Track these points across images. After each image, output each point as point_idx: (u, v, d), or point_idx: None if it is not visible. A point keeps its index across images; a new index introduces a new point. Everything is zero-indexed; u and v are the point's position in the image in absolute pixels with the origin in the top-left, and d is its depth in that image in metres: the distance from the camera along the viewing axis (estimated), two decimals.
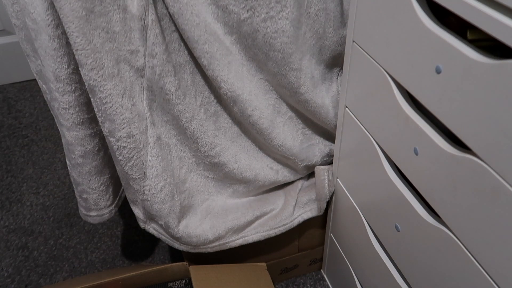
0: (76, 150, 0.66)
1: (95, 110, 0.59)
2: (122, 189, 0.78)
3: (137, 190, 0.66)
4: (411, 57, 0.44)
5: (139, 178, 0.64)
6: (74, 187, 0.72)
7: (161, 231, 0.73)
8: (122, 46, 0.56)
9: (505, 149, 0.34)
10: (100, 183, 0.71)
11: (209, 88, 0.65)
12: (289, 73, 0.63)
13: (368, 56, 0.52)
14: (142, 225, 0.73)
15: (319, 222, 0.84)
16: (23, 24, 0.57)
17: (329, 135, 0.76)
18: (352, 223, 0.70)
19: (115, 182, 0.75)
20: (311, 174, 0.81)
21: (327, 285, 0.94)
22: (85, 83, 0.56)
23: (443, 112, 0.41)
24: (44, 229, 1.07)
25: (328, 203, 0.77)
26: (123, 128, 0.59)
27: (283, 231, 0.76)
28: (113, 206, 0.76)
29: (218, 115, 0.68)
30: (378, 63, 0.50)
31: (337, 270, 0.85)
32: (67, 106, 0.61)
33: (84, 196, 0.72)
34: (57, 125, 0.66)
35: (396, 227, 0.55)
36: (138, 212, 0.71)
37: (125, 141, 0.60)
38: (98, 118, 0.59)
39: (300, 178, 0.80)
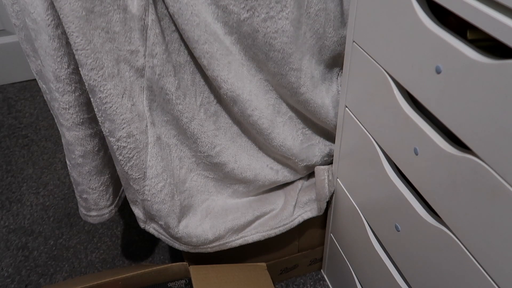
0: (76, 150, 0.66)
1: (95, 110, 0.59)
2: (122, 189, 0.78)
3: (137, 190, 0.66)
4: (411, 57, 0.44)
5: (139, 178, 0.64)
6: (74, 187, 0.72)
7: (161, 231, 0.73)
8: (122, 46, 0.56)
9: (505, 149, 0.34)
10: (100, 183, 0.71)
11: (209, 88, 0.65)
12: (289, 73, 0.63)
13: (368, 56, 0.52)
14: (142, 225, 0.73)
15: (319, 222, 0.84)
16: (23, 24, 0.57)
17: (329, 135, 0.76)
18: (352, 223, 0.70)
19: (115, 182, 0.75)
20: (311, 174, 0.81)
21: (327, 285, 0.94)
22: (85, 83, 0.56)
23: (443, 112, 0.41)
24: (44, 229, 1.07)
25: (328, 203, 0.77)
26: (123, 128, 0.59)
27: (283, 231, 0.76)
28: (113, 206, 0.76)
29: (218, 115, 0.68)
30: (378, 63, 0.50)
31: (337, 270, 0.85)
32: (67, 106, 0.61)
33: (84, 196, 0.72)
34: (57, 125, 0.66)
35: (396, 227, 0.55)
36: (138, 212, 0.71)
37: (125, 141, 0.60)
38: (98, 118, 0.59)
39: (300, 178, 0.80)
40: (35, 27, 0.54)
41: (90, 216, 0.75)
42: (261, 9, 0.56)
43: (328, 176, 0.74)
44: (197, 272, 0.69)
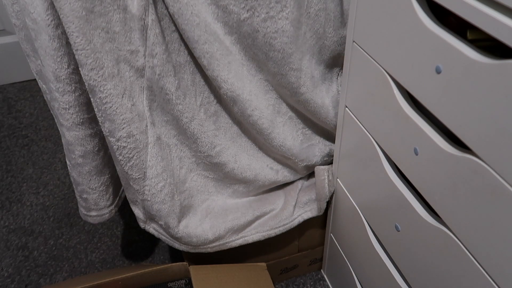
0: (76, 150, 0.66)
1: (95, 110, 0.59)
2: (122, 189, 0.78)
3: (137, 190, 0.66)
4: (411, 57, 0.44)
5: (139, 178, 0.64)
6: (74, 187, 0.72)
7: (161, 231, 0.73)
8: (122, 46, 0.56)
9: (505, 149, 0.34)
10: (100, 183, 0.71)
11: (209, 88, 0.65)
12: (289, 73, 0.63)
13: (368, 56, 0.52)
14: (142, 225, 0.73)
15: (319, 222, 0.84)
16: (23, 24, 0.57)
17: (329, 135, 0.76)
18: (352, 223, 0.70)
19: (115, 182, 0.75)
20: (311, 174, 0.81)
21: (327, 285, 0.94)
22: (85, 83, 0.56)
23: (443, 112, 0.41)
24: (44, 229, 1.07)
25: (328, 203, 0.77)
26: (123, 128, 0.59)
27: (283, 231, 0.76)
28: (113, 206, 0.76)
29: (218, 115, 0.68)
30: (378, 63, 0.50)
31: (337, 270, 0.85)
32: (67, 106, 0.61)
33: (84, 196, 0.72)
34: (57, 125, 0.66)
35: (396, 227, 0.55)
36: (138, 212, 0.71)
37: (125, 141, 0.60)
38: (98, 118, 0.59)
39: (300, 178, 0.80)
40: (35, 27, 0.54)
41: (90, 216, 0.75)
42: (261, 9, 0.56)
43: (328, 176, 0.74)
44: (197, 272, 0.69)
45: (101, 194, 0.72)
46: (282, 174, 0.76)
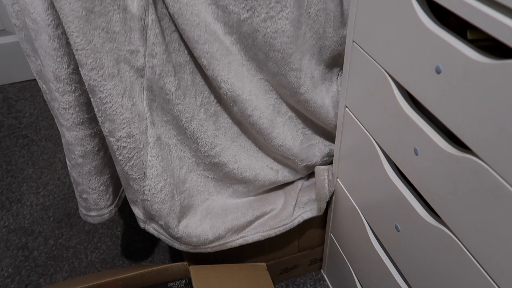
0: (76, 150, 0.66)
1: (95, 110, 0.59)
2: (122, 189, 0.78)
3: (137, 190, 0.66)
4: (411, 57, 0.44)
5: (139, 178, 0.64)
6: (74, 187, 0.72)
7: (161, 231, 0.73)
8: (122, 46, 0.56)
9: (505, 149, 0.34)
10: (100, 183, 0.71)
11: (209, 88, 0.65)
12: (289, 73, 0.63)
13: (368, 56, 0.52)
14: (142, 225, 0.73)
15: (319, 222, 0.84)
16: (23, 24, 0.57)
17: (329, 135, 0.76)
18: (352, 223, 0.70)
19: (115, 182, 0.75)
20: (311, 174, 0.81)
21: (327, 285, 0.94)
22: (85, 83, 0.56)
23: (443, 112, 0.41)
24: (44, 229, 1.07)
25: (328, 203, 0.77)
26: (123, 128, 0.59)
27: (283, 231, 0.76)
28: (113, 206, 0.76)
29: (218, 115, 0.68)
30: (378, 63, 0.50)
31: (337, 270, 0.85)
32: (67, 106, 0.61)
33: (84, 196, 0.72)
34: (57, 125, 0.66)
35: (396, 227, 0.55)
36: (138, 212, 0.71)
37: (125, 141, 0.60)
38: (98, 118, 0.59)
39: (300, 178, 0.80)
40: (35, 27, 0.54)
41: (90, 216, 0.75)
42: (261, 9, 0.56)
43: (328, 176, 0.74)
44: (197, 272, 0.69)
45: (101, 194, 0.72)
46: (282, 174, 0.76)
